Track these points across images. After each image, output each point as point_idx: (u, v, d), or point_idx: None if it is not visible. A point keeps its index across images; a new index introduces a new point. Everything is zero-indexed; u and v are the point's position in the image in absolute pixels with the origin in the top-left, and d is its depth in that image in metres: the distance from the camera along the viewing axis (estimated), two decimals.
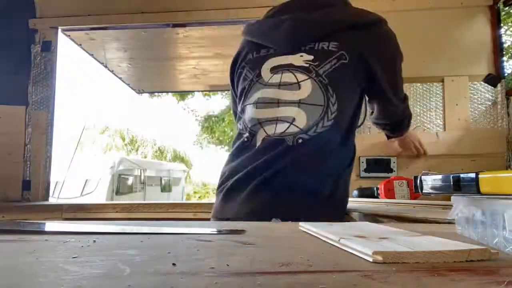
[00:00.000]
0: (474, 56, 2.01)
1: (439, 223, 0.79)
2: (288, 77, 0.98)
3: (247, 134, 1.02)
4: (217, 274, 0.32)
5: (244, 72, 1.09)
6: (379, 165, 1.85)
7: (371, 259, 0.36)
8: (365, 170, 1.85)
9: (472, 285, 0.28)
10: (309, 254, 0.41)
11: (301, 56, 0.98)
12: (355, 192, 1.67)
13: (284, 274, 0.32)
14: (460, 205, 0.54)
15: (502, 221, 0.41)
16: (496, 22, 2.01)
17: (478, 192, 0.47)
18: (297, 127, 0.95)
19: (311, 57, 0.98)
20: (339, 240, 0.44)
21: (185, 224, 0.76)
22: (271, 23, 1.06)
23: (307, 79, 0.96)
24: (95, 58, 2.86)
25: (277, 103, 0.98)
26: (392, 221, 0.87)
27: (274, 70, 1.01)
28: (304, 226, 0.60)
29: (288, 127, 0.96)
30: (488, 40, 2.01)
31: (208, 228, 0.64)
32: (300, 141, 0.95)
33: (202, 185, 16.89)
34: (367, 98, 1.15)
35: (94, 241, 0.47)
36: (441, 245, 0.40)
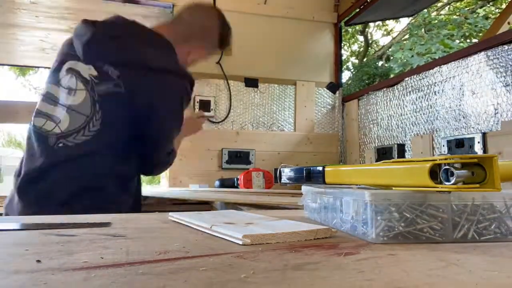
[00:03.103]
0: (320, 66, 2.33)
1: (290, 208, 0.91)
2: (72, 82, 1.03)
3: (32, 123, 1.05)
4: (92, 267, 0.31)
5: (56, 59, 1.13)
6: (239, 157, 1.98)
7: (241, 242, 0.40)
8: (227, 162, 1.96)
9: (320, 257, 0.35)
10: (184, 241, 0.43)
11: (89, 68, 1.03)
12: (217, 183, 1.75)
13: (164, 262, 0.33)
14: (308, 193, 0.65)
15: (340, 206, 0.51)
16: (338, 38, 2.37)
17: (324, 182, 0.57)
18: (60, 129, 0.99)
19: (96, 73, 1.02)
20: (211, 227, 0.48)
21: (35, 218, 0.68)
22: (81, 28, 1.08)
23: (83, 89, 1.01)
24: None
25: (56, 101, 1.03)
26: (252, 208, 0.95)
27: (68, 71, 1.05)
28: (174, 216, 0.62)
29: (54, 127, 1.00)
30: (331, 53, 2.35)
31: (65, 221, 0.59)
32: (60, 145, 0.98)
33: None
34: None
35: None
36: (296, 227, 0.47)
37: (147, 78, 1.02)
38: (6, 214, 1.02)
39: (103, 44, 1.04)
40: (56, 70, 1.07)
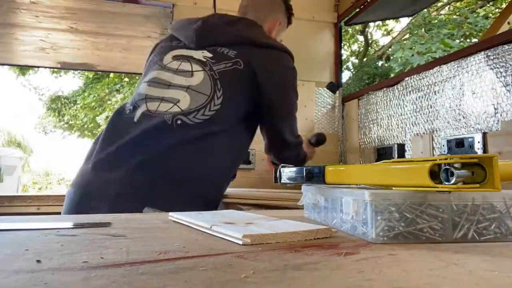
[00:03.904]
0: (320, 65, 2.33)
1: (290, 208, 0.91)
2: (185, 66, 1.06)
3: (130, 107, 1.04)
4: (92, 267, 0.31)
5: (152, 56, 1.17)
6: None
7: (241, 242, 0.40)
8: None
9: (320, 257, 0.35)
10: (184, 241, 0.43)
11: (202, 52, 1.08)
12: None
13: (164, 262, 0.33)
14: (308, 193, 0.65)
15: (340, 206, 0.51)
16: (338, 38, 2.37)
17: (324, 182, 0.57)
18: (179, 107, 0.99)
19: (211, 55, 1.07)
20: (211, 227, 0.48)
21: (35, 219, 0.68)
22: (187, 21, 1.16)
23: (200, 70, 1.04)
24: None
25: (168, 85, 1.04)
26: (252, 208, 0.95)
27: (176, 58, 1.09)
28: (174, 215, 0.62)
29: (171, 107, 0.99)
30: (332, 53, 2.35)
31: (66, 222, 0.59)
32: (179, 122, 0.96)
33: (44, 175, 14.79)
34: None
35: None
36: (295, 227, 0.47)
37: (261, 53, 1.08)
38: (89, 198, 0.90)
39: (214, 28, 1.11)
40: (157, 60, 1.11)
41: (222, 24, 1.13)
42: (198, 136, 0.96)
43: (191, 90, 1.00)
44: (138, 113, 1.00)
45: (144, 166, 0.92)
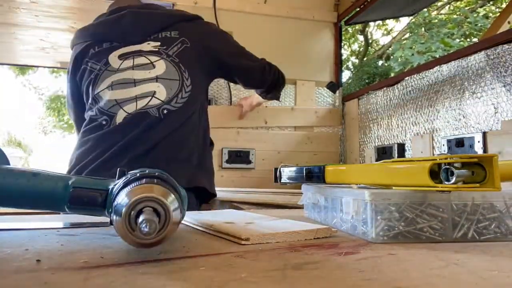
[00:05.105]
0: (321, 65, 2.32)
1: (290, 208, 0.91)
2: (140, 60, 1.02)
3: (104, 117, 0.99)
4: (92, 267, 0.31)
5: (89, 66, 1.06)
6: (239, 156, 1.98)
7: (241, 242, 0.40)
8: (227, 161, 1.96)
9: (320, 257, 0.35)
10: (184, 241, 0.43)
11: (148, 43, 1.05)
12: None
13: (164, 261, 0.33)
14: (308, 193, 0.65)
15: (340, 205, 0.51)
16: (338, 38, 2.37)
17: (324, 182, 0.57)
18: (158, 99, 0.98)
19: (158, 43, 1.05)
20: (211, 227, 0.48)
21: (35, 218, 0.68)
22: (110, 20, 1.10)
23: (159, 59, 1.02)
24: None
25: (134, 82, 1.00)
26: (252, 207, 0.95)
27: (123, 57, 1.03)
28: None
29: (150, 100, 0.98)
30: (332, 52, 2.35)
31: (66, 222, 0.59)
32: (165, 111, 0.98)
33: None
34: (237, 80, 1.26)
35: None
36: (295, 226, 0.47)
37: (194, 26, 1.13)
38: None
39: (146, 16, 1.09)
40: (101, 67, 1.04)
41: (145, 10, 1.12)
42: (183, 120, 0.99)
43: (161, 79, 1.00)
44: (119, 118, 0.97)
45: (144, 156, 0.94)
